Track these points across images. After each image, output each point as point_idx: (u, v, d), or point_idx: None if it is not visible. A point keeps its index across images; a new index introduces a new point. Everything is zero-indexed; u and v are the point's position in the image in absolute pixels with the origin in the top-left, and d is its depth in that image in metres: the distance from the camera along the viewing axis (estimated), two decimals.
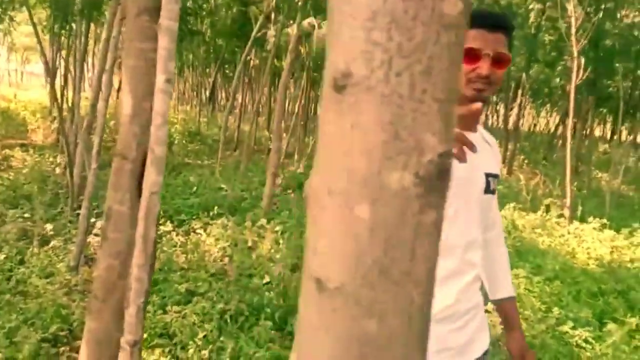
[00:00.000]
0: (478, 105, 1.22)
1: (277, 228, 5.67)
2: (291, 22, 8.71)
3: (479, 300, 1.61)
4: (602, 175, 15.06)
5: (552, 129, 21.56)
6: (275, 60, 15.29)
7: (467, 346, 1.55)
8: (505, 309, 1.76)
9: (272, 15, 10.38)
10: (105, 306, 2.53)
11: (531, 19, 12.39)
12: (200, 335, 3.53)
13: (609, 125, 28.37)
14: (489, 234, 1.74)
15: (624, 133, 30.57)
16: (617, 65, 10.84)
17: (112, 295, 2.54)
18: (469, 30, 1.40)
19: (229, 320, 3.94)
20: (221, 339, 3.69)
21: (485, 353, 1.66)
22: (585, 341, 4.09)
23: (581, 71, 7.06)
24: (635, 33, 9.70)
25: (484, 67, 1.41)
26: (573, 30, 6.91)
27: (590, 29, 7.15)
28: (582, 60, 7.13)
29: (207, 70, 22.05)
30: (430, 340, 1.36)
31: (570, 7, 6.77)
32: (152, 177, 1.57)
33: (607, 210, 8.99)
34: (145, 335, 3.46)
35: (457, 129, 0.91)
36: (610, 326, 4.16)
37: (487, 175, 1.57)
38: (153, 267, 1.72)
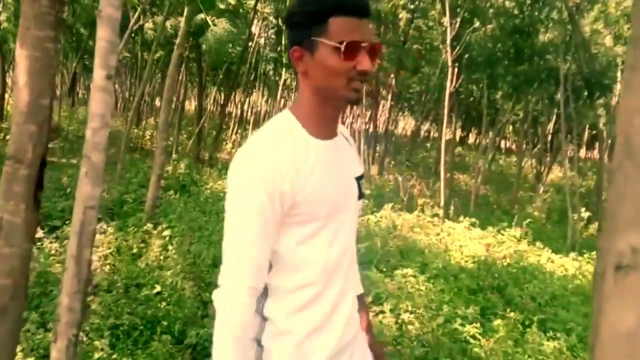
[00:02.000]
0: None
1: (165, 233, 5.35)
2: (163, 15, 8.32)
3: (359, 324, 1.50)
4: (459, 176, 16.25)
5: (412, 132, 22.86)
6: (145, 54, 14.57)
7: None
8: (360, 308, 1.59)
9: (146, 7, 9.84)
10: None
11: (400, 28, 13.00)
12: (96, 356, 3.20)
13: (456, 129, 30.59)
14: None
15: (471, 137, 33.33)
16: (477, 75, 11.78)
17: (4, 320, 2.20)
18: (338, 18, 1.21)
19: (121, 336, 3.63)
20: (114, 357, 3.39)
21: None
22: (473, 337, 4.33)
23: (454, 79, 7.53)
24: (498, 45, 10.59)
25: (365, 62, 1.22)
26: (448, 40, 7.36)
27: (463, 40, 7.67)
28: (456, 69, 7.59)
29: (65, 61, 20.44)
30: None
31: (446, 19, 7.19)
32: (87, 190, 1.33)
33: (471, 210, 9.68)
34: (29, 359, 3.07)
35: None
36: (497, 322, 4.44)
37: (357, 179, 1.42)
38: (86, 295, 1.48)
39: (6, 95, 13.35)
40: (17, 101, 2.22)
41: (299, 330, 1.33)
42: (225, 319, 1.23)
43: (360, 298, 1.60)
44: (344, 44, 1.20)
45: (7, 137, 10.16)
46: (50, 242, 5.03)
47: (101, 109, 1.39)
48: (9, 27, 13.79)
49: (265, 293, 1.35)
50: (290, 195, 1.24)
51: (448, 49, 7.40)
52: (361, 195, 1.43)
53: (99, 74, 1.39)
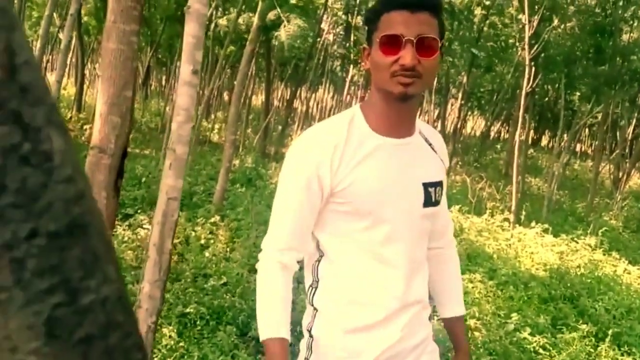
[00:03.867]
0: None
1: (232, 225, 5.44)
2: (238, 10, 8.46)
3: (427, 333, 1.45)
4: (531, 180, 15.69)
5: (481, 132, 22.28)
6: (216, 49, 14.88)
7: None
8: (453, 328, 1.57)
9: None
10: None
11: (475, 25, 12.67)
12: (164, 342, 3.29)
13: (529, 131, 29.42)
14: (437, 243, 1.56)
15: (544, 139, 32.14)
16: (554, 75, 11.33)
17: None
18: (387, 13, 1.23)
19: (188, 324, 3.71)
20: (181, 344, 3.47)
21: None
22: (543, 348, 4.16)
23: (531, 78, 7.26)
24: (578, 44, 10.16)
25: (407, 56, 1.18)
26: (527, 38, 7.10)
27: (542, 38, 7.39)
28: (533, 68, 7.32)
29: (140, 54, 21.17)
30: None
31: (524, 16, 6.93)
32: (170, 181, 1.35)
33: (544, 216, 9.32)
34: None
35: None
36: (568, 335, 4.25)
37: (426, 185, 1.36)
38: (166, 283, 1.51)
39: (84, 87, 13.96)
40: (102, 93, 2.29)
41: (347, 324, 1.34)
42: (261, 284, 1.34)
43: (460, 320, 1.58)
44: (380, 38, 1.22)
45: (85, 126, 10.64)
46: (124, 230, 5.22)
47: (186, 103, 1.40)
48: (89, 20, 14.41)
49: (315, 285, 1.38)
50: (328, 182, 1.28)
51: (526, 47, 7.12)
52: (431, 203, 1.38)
53: (185, 68, 1.40)
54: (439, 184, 1.40)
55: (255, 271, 4.28)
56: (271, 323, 1.28)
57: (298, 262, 1.38)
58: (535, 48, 7.28)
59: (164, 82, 27.17)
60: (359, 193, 1.27)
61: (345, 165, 1.27)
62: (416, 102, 1.36)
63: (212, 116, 16.04)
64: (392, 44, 1.21)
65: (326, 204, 1.32)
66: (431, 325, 1.50)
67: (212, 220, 5.58)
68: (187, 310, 3.80)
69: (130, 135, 2.56)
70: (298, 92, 17.55)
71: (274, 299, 1.31)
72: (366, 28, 1.32)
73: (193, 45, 1.42)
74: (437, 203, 1.39)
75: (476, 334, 4.16)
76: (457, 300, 1.58)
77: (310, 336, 1.38)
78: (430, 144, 1.42)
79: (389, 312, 1.33)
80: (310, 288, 1.39)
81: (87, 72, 14.36)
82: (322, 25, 14.75)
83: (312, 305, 1.39)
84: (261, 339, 1.28)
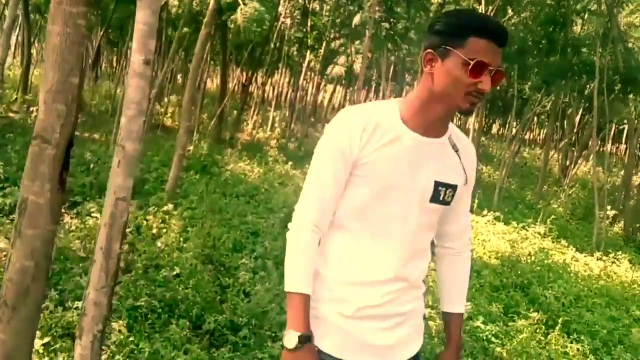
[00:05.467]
0: None
1: (186, 214, 5.30)
2: None
3: (414, 309, 1.60)
4: (482, 167, 15.99)
5: None
6: (169, 31, 14.50)
7: (389, 349, 1.55)
8: (450, 323, 1.72)
9: None
10: (17, 314, 2.14)
11: (431, 13, 12.73)
12: (113, 338, 3.16)
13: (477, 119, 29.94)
14: (453, 244, 1.72)
15: (494, 127, 32.83)
16: (507, 65, 11.50)
17: (25, 302, 2.15)
18: (478, 39, 1.37)
19: (139, 318, 3.59)
20: (131, 339, 3.35)
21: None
22: (496, 336, 4.23)
23: None
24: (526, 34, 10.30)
25: (487, 83, 1.38)
26: None
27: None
28: None
29: (90, 34, 20.38)
30: (349, 337, 1.51)
31: (481, 7, 6.95)
32: (119, 180, 1.25)
33: (495, 203, 9.50)
34: (47, 339, 3.04)
35: None
36: (520, 324, 4.33)
37: (438, 184, 1.51)
38: (114, 289, 1.41)
39: (30, 67, 13.35)
40: (46, 79, 2.14)
41: (339, 277, 1.51)
42: (291, 245, 1.48)
43: (458, 317, 1.70)
44: (475, 61, 1.35)
45: (32, 109, 10.18)
46: (72, 218, 5.02)
47: (138, 96, 1.30)
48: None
49: None
50: (356, 153, 1.45)
51: None
52: (439, 201, 1.52)
53: (137, 59, 1.30)
54: (452, 187, 1.53)
55: (210, 262, 4.17)
56: (298, 278, 1.45)
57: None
58: None
59: (115, 64, 26.35)
60: (376, 170, 1.45)
61: (371, 145, 1.44)
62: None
63: (166, 100, 15.65)
64: (479, 69, 1.36)
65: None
66: (423, 306, 1.66)
67: (165, 209, 5.42)
68: (138, 303, 3.67)
69: (78, 122, 2.42)
70: (254, 76, 17.31)
71: (304, 257, 1.47)
72: (439, 37, 1.41)
73: (145, 34, 1.32)
74: (445, 203, 1.54)
75: (430, 323, 4.19)
76: (460, 299, 1.73)
77: None
78: (457, 151, 1.56)
79: (378, 279, 1.50)
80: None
81: (34, 51, 13.73)
82: (280, 10, 14.51)
83: None
84: (286, 290, 1.45)
